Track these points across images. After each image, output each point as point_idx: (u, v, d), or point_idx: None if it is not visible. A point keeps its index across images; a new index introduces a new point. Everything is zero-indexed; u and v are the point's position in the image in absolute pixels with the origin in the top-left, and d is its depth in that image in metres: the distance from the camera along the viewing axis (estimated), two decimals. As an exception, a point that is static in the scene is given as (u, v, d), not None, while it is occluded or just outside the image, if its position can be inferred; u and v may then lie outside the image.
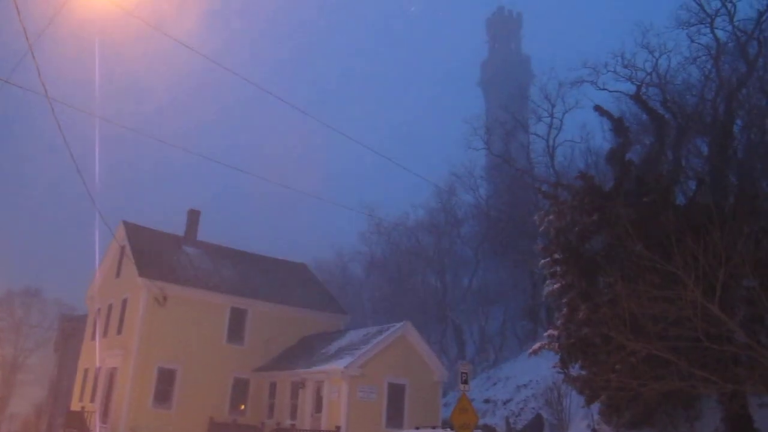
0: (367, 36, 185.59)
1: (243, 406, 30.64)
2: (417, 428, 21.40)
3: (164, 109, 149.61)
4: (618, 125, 32.01)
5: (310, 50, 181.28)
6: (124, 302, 31.02)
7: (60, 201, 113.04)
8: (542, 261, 22.25)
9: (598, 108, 33.82)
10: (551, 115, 42.06)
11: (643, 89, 32.84)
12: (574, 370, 19.96)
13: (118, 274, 33.00)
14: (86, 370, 33.44)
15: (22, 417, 45.32)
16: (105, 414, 29.19)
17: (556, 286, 20.96)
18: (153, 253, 31.52)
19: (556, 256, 20.78)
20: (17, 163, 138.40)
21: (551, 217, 21.32)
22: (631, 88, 33.51)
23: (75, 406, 32.00)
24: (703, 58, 31.58)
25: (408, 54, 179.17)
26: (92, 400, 30.86)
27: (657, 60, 32.96)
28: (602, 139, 38.92)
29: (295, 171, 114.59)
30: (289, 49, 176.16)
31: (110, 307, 32.64)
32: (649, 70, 33.05)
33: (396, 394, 26.59)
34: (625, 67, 33.42)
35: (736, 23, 30.28)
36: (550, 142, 42.58)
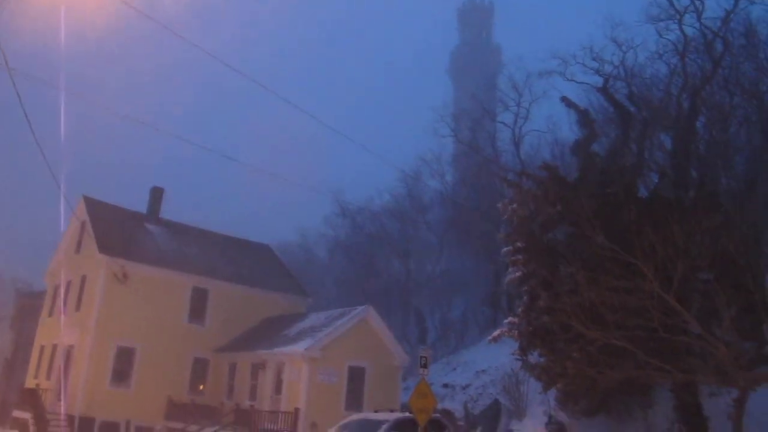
0: (337, 18, 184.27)
1: (202, 387, 30.47)
2: (376, 411, 21.46)
3: (129, 85, 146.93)
4: (584, 117, 32.42)
5: (280, 28, 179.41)
6: (84, 279, 30.50)
7: (18, 175, 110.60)
8: (504, 249, 22.43)
9: (564, 99, 34.20)
10: (518, 105, 42.42)
11: (610, 82, 33.24)
12: (533, 358, 20.21)
13: (78, 250, 32.43)
14: (42, 347, 32.88)
15: (-25, 394, 44.44)
16: (61, 392, 28.75)
17: (517, 274, 21.16)
18: (114, 229, 31.05)
19: (519, 244, 20.96)
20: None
21: (515, 205, 21.48)
22: (598, 81, 33.90)
23: (30, 383, 31.45)
24: (670, 53, 32.04)
25: (379, 39, 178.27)
26: (48, 377, 30.36)
27: (625, 54, 33.37)
28: (568, 130, 39.30)
29: (260, 152, 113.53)
30: (259, 27, 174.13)
31: (69, 284, 32.05)
32: (616, 64, 33.44)
33: (356, 377, 26.66)
34: (594, 59, 33.80)
35: (704, 21, 30.73)
36: (517, 132, 42.92)
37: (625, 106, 31.92)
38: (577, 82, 35.64)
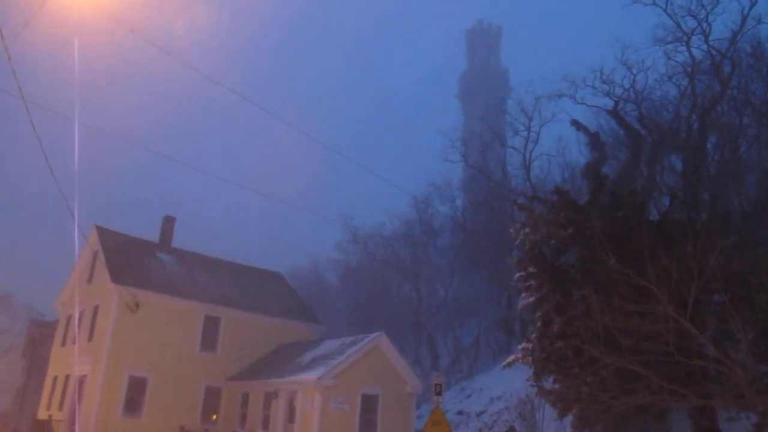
0: (347, 45, 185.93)
1: (215, 416, 30.32)
2: (390, 439, 21.32)
3: (141, 115, 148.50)
4: (594, 140, 32.46)
5: (290, 59, 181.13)
6: (96, 308, 30.58)
7: (32, 205, 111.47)
8: (517, 274, 22.33)
9: (575, 122, 34.30)
10: (528, 129, 42.44)
11: (621, 105, 33.33)
12: (548, 383, 20.01)
13: (90, 280, 32.56)
14: (55, 378, 32.89)
15: (-13, 425, 44.37)
16: (73, 423, 28.71)
17: (530, 299, 21.02)
18: (126, 258, 31.17)
19: (531, 269, 20.85)
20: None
21: (526, 230, 21.41)
22: (608, 103, 34.00)
23: (42, 414, 31.42)
24: (679, 75, 32.13)
25: (388, 65, 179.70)
26: (60, 408, 30.32)
27: (635, 76, 33.49)
28: (578, 153, 39.42)
29: (271, 179, 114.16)
30: (269, 56, 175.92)
31: (81, 314, 32.15)
32: (626, 86, 33.53)
33: (369, 405, 26.48)
34: (604, 82, 33.91)
35: (711, 42, 30.84)
36: (527, 155, 42.92)
37: (636, 128, 31.98)
38: (587, 105, 35.77)
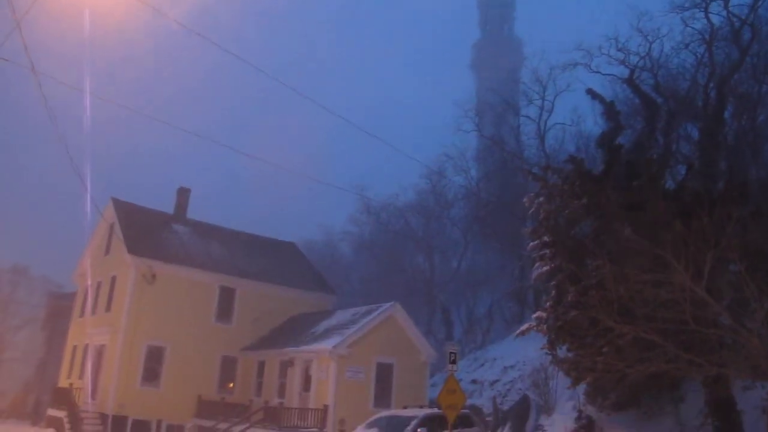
0: (360, 16, 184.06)
1: (231, 385, 30.75)
2: (404, 407, 21.51)
3: (153, 87, 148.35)
4: (609, 109, 32.09)
5: (302, 27, 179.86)
6: (113, 280, 30.94)
7: (48, 178, 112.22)
8: (531, 244, 22.29)
9: (590, 91, 33.91)
10: (542, 98, 42.02)
11: (636, 73, 32.87)
12: (561, 352, 20.09)
13: (107, 252, 32.88)
14: (74, 348, 33.41)
15: (10, 394, 45.20)
16: (93, 391, 29.19)
17: (545, 268, 21.00)
18: (142, 230, 31.42)
19: (545, 239, 20.80)
20: (3, 139, 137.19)
21: (540, 199, 21.32)
22: (624, 72, 33.55)
23: (63, 383, 32.00)
24: (697, 43, 31.57)
25: (401, 35, 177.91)
26: (80, 377, 30.85)
27: (651, 44, 32.93)
28: (593, 123, 38.91)
29: (284, 150, 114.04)
30: (279, 25, 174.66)
31: (99, 285, 32.53)
32: (642, 54, 33.02)
33: (384, 373, 26.74)
34: (619, 50, 33.44)
35: (731, 8, 30.25)
36: (541, 125, 42.56)
37: (652, 97, 31.58)
38: (602, 74, 35.30)
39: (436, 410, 18.88)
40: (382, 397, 26.26)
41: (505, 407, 27.85)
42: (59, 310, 41.41)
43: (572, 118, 43.17)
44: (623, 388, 18.06)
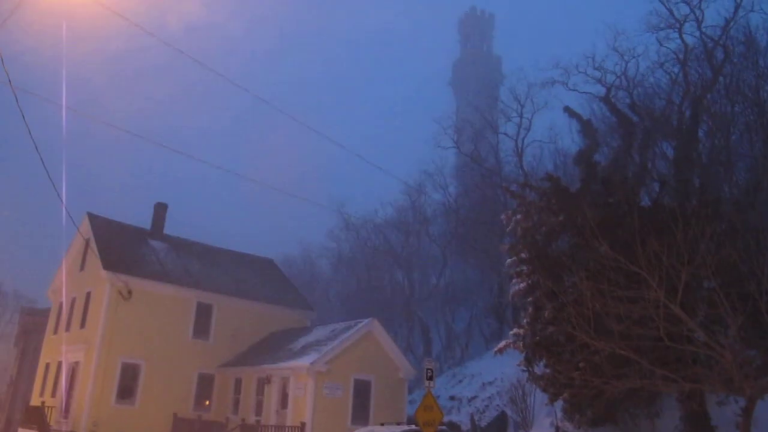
0: (339, 34, 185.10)
1: (208, 402, 30.42)
2: (382, 424, 21.43)
3: (131, 101, 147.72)
4: (586, 127, 32.52)
5: (283, 46, 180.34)
6: (88, 296, 30.55)
7: (21, 193, 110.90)
8: (509, 260, 22.43)
9: (567, 109, 34.36)
10: (520, 116, 42.39)
11: (613, 92, 33.34)
12: (539, 369, 20.17)
13: (82, 268, 32.51)
14: (48, 365, 32.88)
15: (-20, 411, 44.40)
16: (67, 409, 28.75)
17: (522, 285, 21.14)
18: (118, 246, 31.12)
19: (523, 255, 20.96)
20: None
21: (518, 216, 21.50)
22: (600, 91, 34.02)
23: (35, 401, 31.45)
24: (671, 62, 32.18)
25: (380, 53, 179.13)
26: (53, 395, 30.37)
27: (627, 63, 33.47)
28: (571, 140, 39.56)
29: (263, 166, 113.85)
30: (262, 44, 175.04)
31: (74, 301, 32.12)
32: (618, 74, 33.54)
33: (362, 390, 26.64)
34: (596, 69, 33.92)
35: (704, 29, 30.87)
36: (519, 143, 42.89)
37: (628, 115, 32.01)
38: (579, 92, 35.81)
39: (413, 427, 18.84)
40: (360, 414, 26.13)
41: (483, 424, 27.83)
42: (32, 326, 40.80)
43: (550, 136, 43.68)
44: (600, 404, 18.13)
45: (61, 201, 19.81)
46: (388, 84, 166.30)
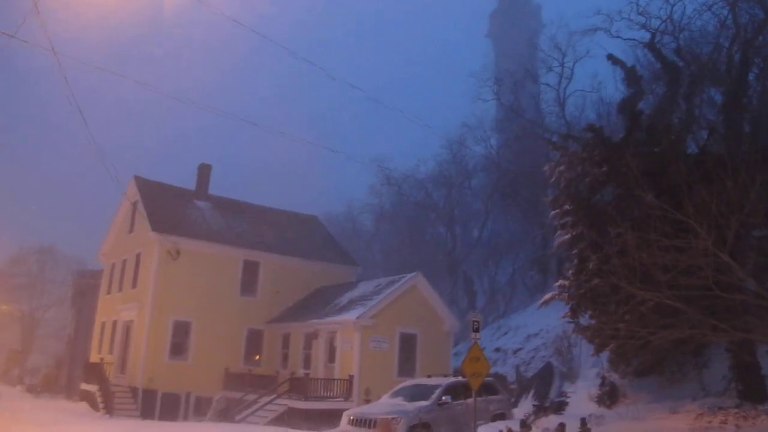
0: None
1: (258, 357, 31.20)
2: (429, 376, 21.74)
3: (173, 64, 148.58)
4: (630, 74, 31.68)
5: (322, 5, 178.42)
6: (138, 257, 31.36)
7: (70, 159, 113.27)
8: (552, 212, 22.25)
9: (610, 57, 33.45)
10: (562, 65, 41.59)
11: (658, 37, 32.31)
12: (584, 320, 20.13)
13: (131, 230, 33.30)
14: (103, 324, 34.03)
15: (44, 370, 46.21)
16: (123, 366, 29.83)
17: (566, 236, 20.99)
18: (165, 207, 31.74)
19: (566, 206, 20.75)
20: (29, 122, 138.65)
21: (561, 167, 21.24)
22: (645, 36, 32.96)
23: (94, 358, 32.66)
24: (720, 4, 30.90)
25: (418, 6, 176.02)
26: (110, 352, 31.49)
27: (672, 7, 32.25)
28: (614, 89, 38.50)
29: (303, 124, 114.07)
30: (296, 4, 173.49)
31: (124, 262, 33.03)
32: (663, 18, 32.40)
33: (407, 343, 27.01)
34: (640, 14, 32.78)
35: (755, -33, 29.55)
36: (561, 92, 42.19)
37: (674, 61, 31.08)
38: (623, 39, 34.72)
39: (460, 379, 19.08)
40: (407, 366, 26.55)
41: (529, 375, 28.05)
42: (86, 287, 42.06)
43: (592, 85, 42.73)
44: (646, 354, 18.05)
45: (107, 165, 20.21)
46: (425, 39, 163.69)
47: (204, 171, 35.67)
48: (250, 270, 32.16)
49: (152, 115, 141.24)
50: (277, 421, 23.35)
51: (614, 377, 21.42)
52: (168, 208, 31.93)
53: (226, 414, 25.86)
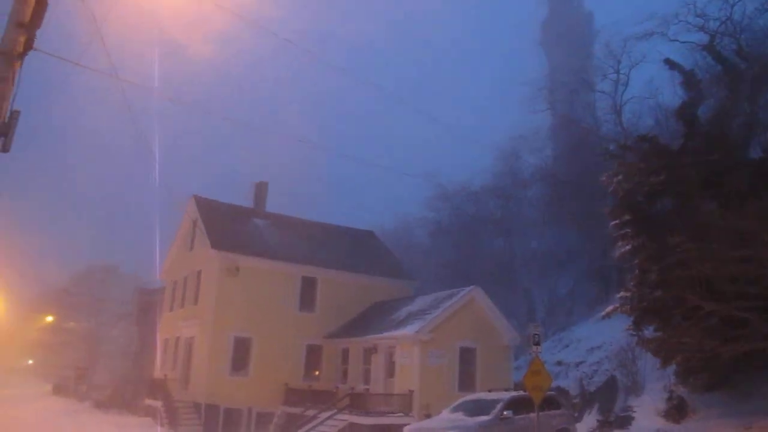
0: (425, 2, 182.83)
1: (317, 372, 31.39)
2: (489, 390, 21.51)
3: (221, 82, 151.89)
4: (689, 78, 30.91)
5: (368, 14, 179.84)
6: (198, 274, 32.01)
7: (130, 180, 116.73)
8: (612, 223, 21.85)
9: (667, 61, 32.70)
10: (617, 72, 40.79)
11: (717, 39, 31.49)
12: (648, 332, 19.65)
13: (191, 247, 34.04)
14: (166, 340, 34.80)
15: (109, 386, 47.57)
16: (186, 381, 30.40)
17: (626, 247, 20.57)
18: (224, 225, 32.34)
19: (626, 217, 20.38)
20: (90, 146, 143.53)
21: (619, 177, 20.87)
22: (703, 39, 32.17)
23: (157, 374, 33.39)
24: (784, 1, 29.97)
25: (467, 16, 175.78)
26: (173, 368, 32.14)
27: (732, 7, 31.41)
28: (672, 93, 37.49)
29: (356, 141, 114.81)
30: (343, 15, 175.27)
31: (185, 279, 33.76)
32: (723, 19, 31.58)
33: (467, 358, 26.80)
34: (698, 16, 32.04)
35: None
36: (617, 100, 41.37)
37: (735, 62, 30.24)
38: (680, 42, 33.97)
39: (521, 393, 18.83)
40: (467, 381, 26.32)
41: (592, 389, 27.48)
42: (148, 305, 43.16)
43: (649, 90, 41.77)
44: (715, 367, 17.55)
45: (163, 185, 20.74)
46: (475, 49, 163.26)
47: (261, 188, 36.25)
48: (308, 286, 32.46)
49: (206, 135, 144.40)
50: (338, 436, 23.44)
51: (682, 391, 20.81)
52: (226, 225, 32.52)
53: (287, 429, 26.12)
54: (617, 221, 20.86)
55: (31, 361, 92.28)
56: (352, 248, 36.72)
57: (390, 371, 26.93)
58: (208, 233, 30.83)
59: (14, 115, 8.30)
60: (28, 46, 8.52)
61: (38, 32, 8.62)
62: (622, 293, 21.44)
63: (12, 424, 24.87)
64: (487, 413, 18.36)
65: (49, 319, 74.06)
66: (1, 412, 32.56)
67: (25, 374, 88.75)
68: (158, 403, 28.91)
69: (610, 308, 22.59)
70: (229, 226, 32.67)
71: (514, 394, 19.84)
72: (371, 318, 31.29)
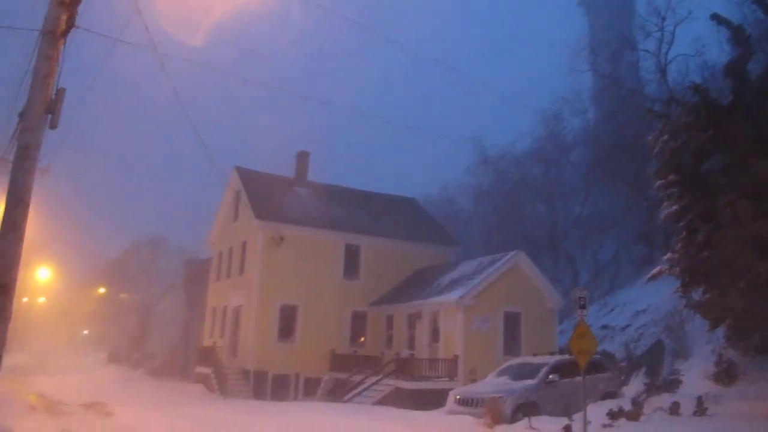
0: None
1: (362, 339, 31.79)
2: (535, 354, 21.55)
3: (265, 52, 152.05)
4: (737, 34, 29.86)
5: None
6: (244, 244, 32.51)
7: (174, 154, 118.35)
8: (657, 183, 21.44)
9: (715, 16, 31.64)
10: (661, 29, 39.60)
11: (767, -9, 30.38)
12: (697, 295, 19.36)
13: (235, 218, 34.54)
14: (214, 309, 35.54)
15: (161, 355, 48.86)
16: (234, 349, 31.08)
17: (673, 208, 20.19)
18: (267, 195, 32.71)
19: (672, 177, 19.96)
20: (136, 122, 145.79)
21: (665, 137, 20.41)
22: (753, -10, 31.05)
23: (207, 342, 34.20)
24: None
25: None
26: (221, 336, 32.87)
27: (782, -42, 30.26)
28: (720, 51, 36.35)
29: (396, 107, 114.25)
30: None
31: (231, 250, 34.33)
32: (773, -30, 30.43)
33: (511, 322, 26.83)
34: (747, -33, 30.93)
35: None
36: (662, 58, 40.23)
37: (786, 15, 29.17)
38: (729, -6, 32.87)
39: (567, 357, 18.82)
40: (512, 345, 26.39)
41: (638, 353, 27.27)
42: (196, 275, 43.98)
43: (696, 48, 40.54)
44: (766, 329, 17.22)
45: (210, 158, 20.99)
46: (515, 13, 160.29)
47: (302, 158, 36.51)
48: (352, 253, 32.74)
49: (246, 104, 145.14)
50: (384, 400, 23.79)
51: (732, 354, 20.50)
52: (269, 195, 32.88)
53: (334, 394, 26.57)
54: (663, 181, 20.45)
55: (86, 332, 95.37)
56: (394, 215, 36.84)
57: (435, 337, 27.13)
58: (252, 204, 31.23)
59: (60, 93, 8.47)
60: (70, 23, 8.65)
61: (79, 9, 8.73)
62: (668, 255, 21.11)
63: (72, 390, 25.78)
64: (532, 377, 18.45)
65: (102, 291, 76.22)
66: (61, 379, 33.84)
67: (82, 344, 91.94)
68: (209, 370, 29.67)
69: (655, 270, 22.24)
70: (272, 196, 33.02)
71: (559, 358, 19.86)
72: (415, 284, 31.45)
